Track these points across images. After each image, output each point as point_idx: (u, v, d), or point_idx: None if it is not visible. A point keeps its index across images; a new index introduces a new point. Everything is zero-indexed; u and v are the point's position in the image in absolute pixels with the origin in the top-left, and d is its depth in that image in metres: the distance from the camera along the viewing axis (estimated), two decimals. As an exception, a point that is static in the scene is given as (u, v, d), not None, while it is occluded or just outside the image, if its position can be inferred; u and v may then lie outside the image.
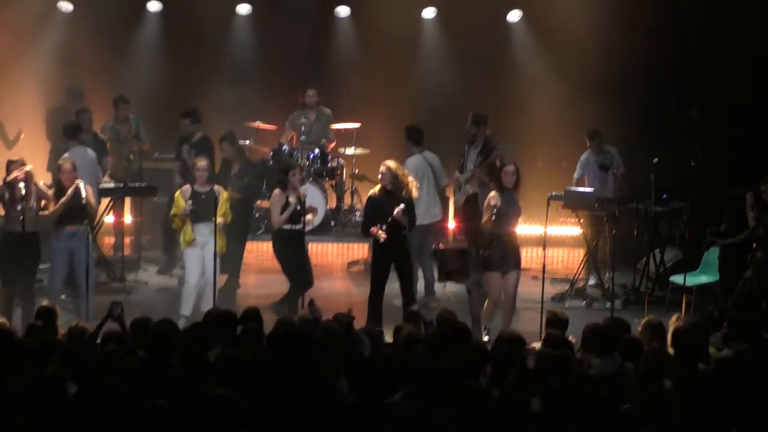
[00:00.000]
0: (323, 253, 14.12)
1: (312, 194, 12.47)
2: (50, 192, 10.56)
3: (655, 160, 12.28)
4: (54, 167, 11.75)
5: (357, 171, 14.70)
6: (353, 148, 14.48)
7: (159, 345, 7.11)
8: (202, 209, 10.78)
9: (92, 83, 14.21)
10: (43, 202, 10.53)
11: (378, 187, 10.76)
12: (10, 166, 10.45)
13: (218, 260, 10.71)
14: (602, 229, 12.70)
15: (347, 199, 14.77)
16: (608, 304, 11.61)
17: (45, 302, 8.67)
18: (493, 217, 10.23)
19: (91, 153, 11.92)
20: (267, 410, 6.21)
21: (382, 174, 10.67)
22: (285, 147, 13.92)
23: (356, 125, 14.48)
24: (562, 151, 14.57)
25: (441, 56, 15.56)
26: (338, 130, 14.46)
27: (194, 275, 10.94)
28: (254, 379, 6.66)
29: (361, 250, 14.15)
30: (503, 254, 10.36)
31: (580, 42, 14.34)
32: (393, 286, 10.90)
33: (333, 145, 14.42)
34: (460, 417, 6.08)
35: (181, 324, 9.00)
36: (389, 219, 10.39)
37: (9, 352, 7.12)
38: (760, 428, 6.31)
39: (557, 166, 14.62)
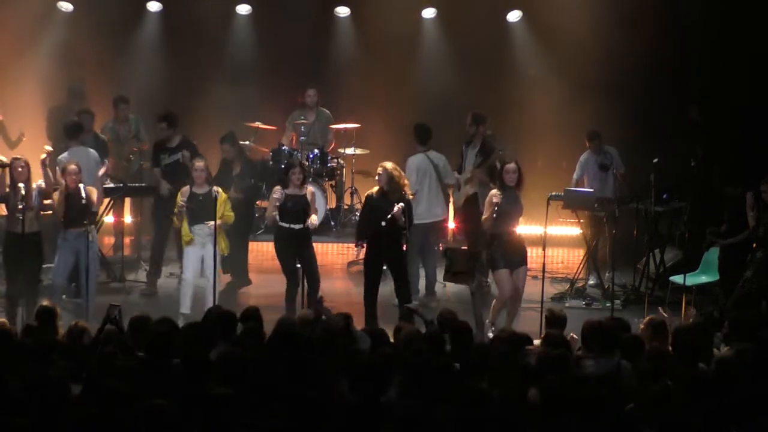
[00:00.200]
0: (323, 253, 14.11)
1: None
2: (55, 194, 10.58)
3: (655, 160, 12.28)
4: (54, 167, 11.75)
5: (355, 170, 14.70)
6: (353, 148, 14.48)
7: (159, 345, 7.12)
8: (200, 211, 10.79)
9: (92, 83, 14.22)
10: (45, 202, 10.52)
11: (376, 188, 10.78)
12: (13, 163, 10.47)
13: (219, 261, 10.73)
14: (602, 229, 12.70)
15: (347, 199, 14.77)
16: (608, 304, 11.61)
17: (45, 302, 8.67)
18: (494, 215, 10.23)
19: (93, 153, 11.92)
20: (267, 410, 6.21)
21: (379, 175, 10.69)
22: (285, 147, 13.92)
23: (356, 125, 14.48)
24: (562, 151, 14.57)
25: (441, 56, 15.56)
26: (338, 130, 14.46)
27: (191, 272, 10.97)
28: (254, 379, 6.66)
29: (361, 250, 14.13)
30: (507, 252, 10.36)
31: (580, 42, 14.34)
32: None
33: (333, 145, 14.43)
34: (460, 417, 6.07)
35: (181, 322, 9.00)
36: (388, 217, 10.39)
37: (9, 352, 7.12)
38: (760, 428, 6.30)
39: (557, 166, 14.61)
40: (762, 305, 10.81)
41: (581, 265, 12.95)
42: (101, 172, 11.79)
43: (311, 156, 13.89)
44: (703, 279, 11.85)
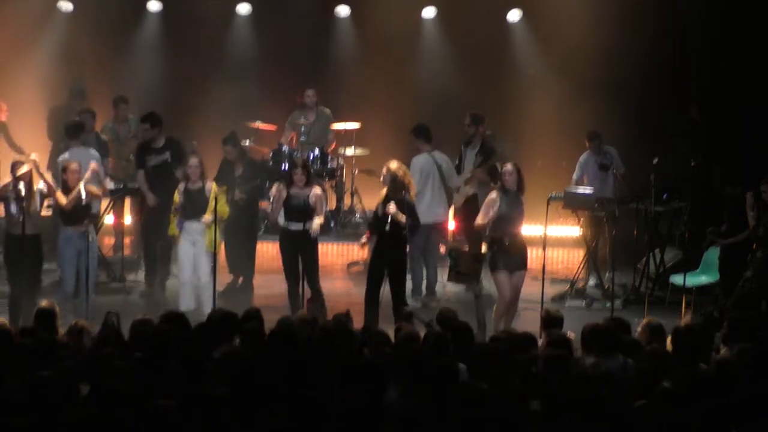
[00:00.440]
0: (323, 253, 14.04)
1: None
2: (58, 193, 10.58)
3: (655, 160, 12.27)
4: (54, 167, 11.76)
5: (360, 169, 14.70)
6: (353, 148, 14.48)
7: (159, 345, 7.12)
8: (193, 207, 10.84)
9: (92, 83, 14.22)
10: (46, 202, 10.52)
11: (385, 188, 10.80)
12: (16, 167, 10.46)
13: (208, 258, 10.83)
14: (602, 229, 12.69)
15: (347, 200, 14.77)
16: (608, 304, 11.60)
17: (44, 303, 8.66)
18: (490, 219, 10.23)
19: (94, 153, 11.91)
20: (267, 410, 6.21)
21: (383, 175, 10.69)
22: (285, 147, 13.92)
23: (356, 125, 14.47)
24: (562, 151, 14.56)
25: (441, 56, 15.57)
26: (338, 130, 14.46)
27: (186, 271, 11.04)
28: (254, 379, 6.66)
29: (361, 251, 14.13)
30: (508, 255, 10.35)
31: (580, 42, 14.34)
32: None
33: (333, 145, 14.42)
34: (460, 417, 6.07)
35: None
36: (388, 220, 10.40)
37: (9, 353, 7.12)
38: (760, 428, 6.30)
39: (557, 166, 14.60)
40: (762, 305, 10.81)
41: (581, 266, 12.94)
42: (87, 175, 11.42)
43: (311, 156, 13.88)
44: (703, 279, 11.86)
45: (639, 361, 7.21)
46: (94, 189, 10.94)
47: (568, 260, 14.21)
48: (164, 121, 12.07)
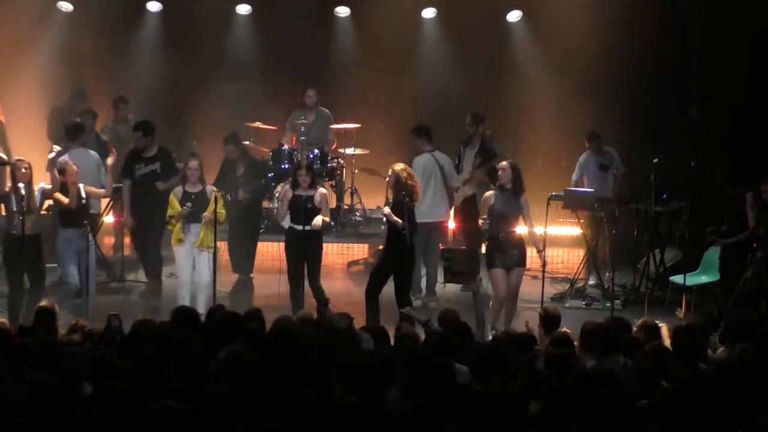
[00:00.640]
0: (323, 253, 14.07)
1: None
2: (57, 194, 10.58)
3: (655, 160, 12.28)
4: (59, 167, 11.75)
5: (360, 168, 14.71)
6: (353, 148, 14.48)
7: (159, 344, 7.12)
8: (194, 209, 10.84)
9: (92, 83, 14.23)
10: (46, 203, 10.51)
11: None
12: (17, 164, 10.46)
13: (210, 259, 10.83)
14: (602, 229, 12.70)
15: (347, 200, 14.77)
16: (608, 304, 11.61)
17: (44, 303, 8.65)
18: (486, 217, 10.25)
19: (93, 155, 11.91)
20: (267, 410, 6.20)
21: (388, 177, 10.70)
22: (285, 147, 13.92)
23: (356, 125, 14.47)
24: (562, 151, 14.56)
25: (441, 56, 15.57)
26: (338, 131, 14.46)
27: (185, 271, 11.03)
28: (254, 379, 6.66)
29: (361, 250, 14.16)
30: (503, 252, 10.36)
31: (580, 42, 14.34)
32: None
33: (333, 145, 14.43)
34: (460, 417, 6.07)
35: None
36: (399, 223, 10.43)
37: (9, 352, 7.12)
38: (760, 428, 6.30)
39: (557, 166, 14.61)
40: (762, 305, 10.81)
41: (581, 265, 12.95)
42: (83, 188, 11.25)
43: (311, 156, 13.88)
44: (703, 279, 11.86)
45: (639, 360, 7.20)
46: (94, 189, 10.94)
47: (568, 260, 14.21)
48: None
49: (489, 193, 10.49)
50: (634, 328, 8.13)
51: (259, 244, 13.55)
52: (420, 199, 11.19)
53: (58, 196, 10.48)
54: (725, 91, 13.85)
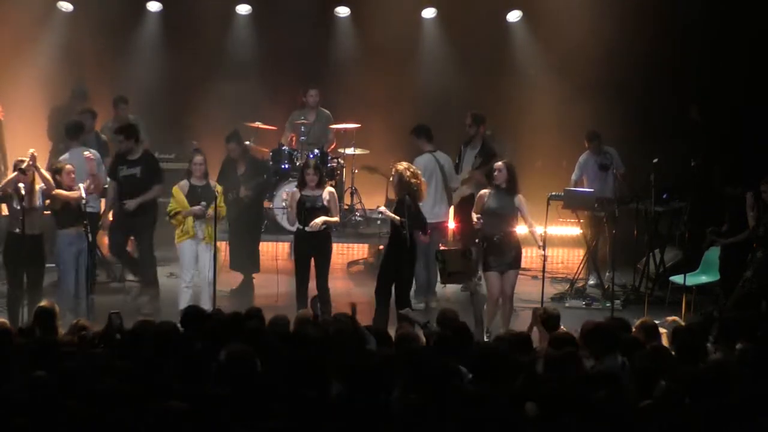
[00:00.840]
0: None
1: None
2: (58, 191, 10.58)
3: (655, 160, 12.28)
4: (53, 167, 11.74)
5: (361, 166, 14.70)
6: (353, 148, 14.47)
7: (159, 344, 7.12)
8: (200, 202, 10.86)
9: (92, 83, 14.23)
10: (47, 202, 10.51)
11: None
12: (18, 165, 10.46)
13: (212, 256, 10.84)
14: (602, 229, 12.70)
15: (347, 200, 14.76)
16: (608, 304, 11.62)
17: (44, 303, 8.65)
18: (480, 215, 10.24)
19: (95, 154, 11.89)
20: (267, 410, 6.20)
21: (392, 176, 10.70)
22: (285, 147, 13.92)
23: (356, 125, 14.47)
24: (562, 151, 14.56)
25: (441, 56, 15.56)
26: (338, 131, 14.45)
27: (189, 270, 11.03)
28: (254, 379, 6.66)
29: (361, 250, 14.16)
30: (498, 254, 10.35)
31: (580, 42, 14.34)
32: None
33: (333, 145, 14.42)
34: (460, 417, 6.07)
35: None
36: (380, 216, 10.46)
37: (9, 352, 7.12)
38: (760, 428, 6.30)
39: (557, 166, 14.61)
40: (762, 305, 10.81)
41: (581, 265, 12.96)
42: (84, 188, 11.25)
43: (311, 156, 13.87)
44: (703, 279, 11.86)
45: (639, 359, 7.20)
46: (93, 188, 10.91)
47: (568, 260, 14.21)
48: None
49: (484, 191, 10.50)
50: (634, 328, 8.13)
51: (260, 244, 13.56)
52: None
53: (60, 191, 10.44)
54: (725, 91, 13.86)
